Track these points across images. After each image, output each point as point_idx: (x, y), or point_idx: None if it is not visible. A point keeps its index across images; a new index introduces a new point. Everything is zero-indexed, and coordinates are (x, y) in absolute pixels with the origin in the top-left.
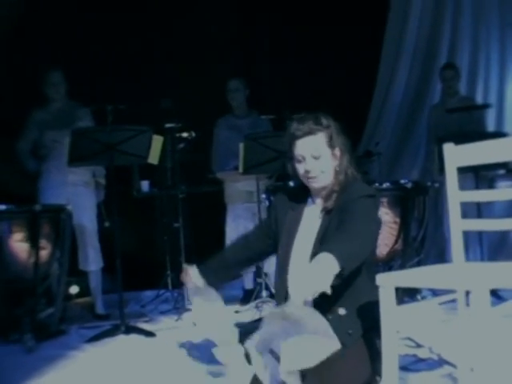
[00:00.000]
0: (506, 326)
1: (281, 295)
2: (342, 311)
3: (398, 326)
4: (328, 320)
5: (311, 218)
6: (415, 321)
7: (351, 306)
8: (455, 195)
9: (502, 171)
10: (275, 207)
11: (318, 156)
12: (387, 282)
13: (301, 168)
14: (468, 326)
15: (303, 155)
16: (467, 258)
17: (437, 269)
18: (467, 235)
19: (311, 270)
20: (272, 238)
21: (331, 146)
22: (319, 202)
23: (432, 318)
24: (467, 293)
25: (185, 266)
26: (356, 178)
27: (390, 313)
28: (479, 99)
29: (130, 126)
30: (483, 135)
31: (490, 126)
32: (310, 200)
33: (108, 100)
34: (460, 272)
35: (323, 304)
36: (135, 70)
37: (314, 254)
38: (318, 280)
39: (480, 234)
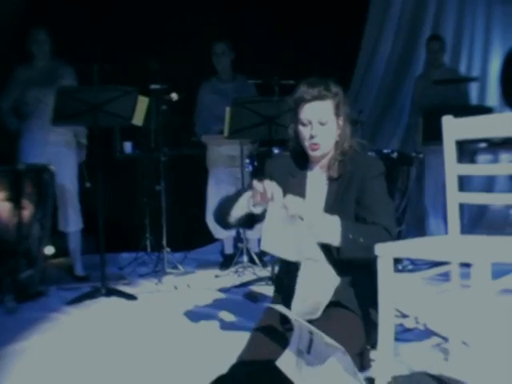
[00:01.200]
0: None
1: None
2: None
3: (395, 297)
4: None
5: (316, 185)
6: (407, 292)
7: (356, 272)
8: (453, 168)
9: (483, 144)
10: (270, 174)
11: (324, 122)
12: (386, 252)
13: (305, 132)
14: (465, 300)
15: (310, 119)
16: (447, 230)
17: (435, 240)
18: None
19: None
20: None
21: (337, 114)
22: (319, 169)
23: (425, 290)
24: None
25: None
26: (361, 147)
27: (388, 283)
28: (462, 72)
29: (116, 87)
30: (467, 108)
31: (473, 100)
32: (309, 167)
33: (93, 59)
34: (459, 244)
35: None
36: (121, 29)
37: None
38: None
39: (461, 206)
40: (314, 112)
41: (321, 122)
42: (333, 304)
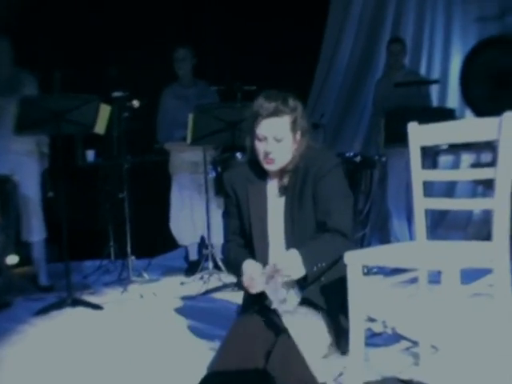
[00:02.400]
0: (474, 305)
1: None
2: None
3: (365, 304)
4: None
5: (275, 195)
6: (375, 296)
7: (327, 276)
8: (418, 174)
9: (444, 146)
10: (231, 185)
11: (280, 139)
12: (355, 260)
13: (261, 147)
14: (434, 304)
15: (265, 135)
16: (411, 234)
17: (403, 247)
18: (410, 210)
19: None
20: None
21: (294, 129)
22: (275, 178)
23: (393, 294)
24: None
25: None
26: (313, 147)
27: (358, 291)
28: (423, 73)
29: (78, 95)
30: (429, 110)
31: (434, 101)
32: (267, 175)
33: (54, 67)
34: (428, 251)
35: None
36: (81, 36)
37: (287, 238)
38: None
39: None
40: (269, 128)
41: (276, 139)
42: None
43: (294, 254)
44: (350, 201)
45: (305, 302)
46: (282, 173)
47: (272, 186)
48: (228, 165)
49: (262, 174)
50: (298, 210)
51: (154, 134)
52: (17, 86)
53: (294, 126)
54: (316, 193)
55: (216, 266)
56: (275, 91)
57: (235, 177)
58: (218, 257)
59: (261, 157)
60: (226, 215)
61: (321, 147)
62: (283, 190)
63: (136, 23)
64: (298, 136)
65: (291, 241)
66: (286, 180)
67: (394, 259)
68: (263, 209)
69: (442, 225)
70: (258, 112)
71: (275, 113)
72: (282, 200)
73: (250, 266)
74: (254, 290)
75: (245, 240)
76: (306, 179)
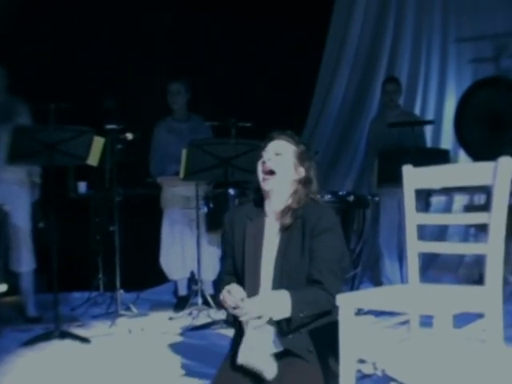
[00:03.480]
0: (466, 350)
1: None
2: (303, 329)
3: (356, 345)
4: (289, 338)
5: (272, 234)
6: (366, 337)
7: (312, 323)
8: (412, 217)
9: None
10: (231, 223)
11: (279, 153)
12: (347, 303)
13: (260, 164)
14: (425, 348)
15: (267, 151)
16: (402, 274)
17: (396, 290)
18: (401, 250)
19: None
20: None
21: (299, 161)
22: (274, 216)
23: (384, 336)
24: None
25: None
26: (316, 200)
27: (349, 334)
28: (417, 113)
29: (72, 127)
30: (423, 151)
31: (428, 141)
32: (266, 213)
33: (50, 98)
34: (420, 295)
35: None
36: (78, 68)
37: (276, 276)
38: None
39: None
40: (272, 146)
41: (276, 152)
42: (286, 353)
43: (284, 294)
44: (344, 263)
45: (288, 353)
46: (281, 213)
47: (270, 224)
48: (220, 201)
49: (262, 212)
50: (290, 255)
51: (147, 168)
52: (10, 114)
53: (299, 158)
54: (312, 248)
55: (205, 302)
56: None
57: (236, 215)
58: (208, 292)
59: (260, 175)
60: (222, 256)
61: (323, 202)
62: (281, 230)
63: (131, 57)
64: (303, 172)
65: (278, 281)
66: (285, 221)
67: (387, 303)
68: (259, 244)
69: (433, 266)
70: (266, 140)
71: (282, 138)
72: (277, 240)
73: (233, 287)
74: (228, 304)
75: (237, 278)
76: (303, 229)
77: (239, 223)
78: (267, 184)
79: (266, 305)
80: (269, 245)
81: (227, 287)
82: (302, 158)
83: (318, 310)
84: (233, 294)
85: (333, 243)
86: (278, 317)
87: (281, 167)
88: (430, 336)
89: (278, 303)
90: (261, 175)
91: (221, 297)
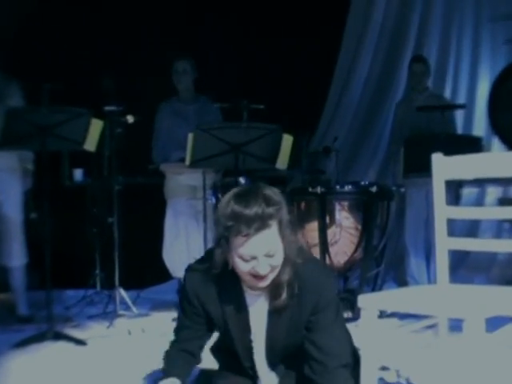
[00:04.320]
0: (499, 356)
1: None
2: None
3: (379, 351)
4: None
5: (258, 318)
6: (390, 343)
7: None
8: (442, 211)
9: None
10: (198, 297)
11: (272, 254)
12: (370, 305)
13: (246, 267)
14: (454, 355)
15: (254, 255)
16: (430, 274)
17: (423, 291)
18: (429, 248)
19: None
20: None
21: (282, 232)
22: (260, 297)
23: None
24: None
25: None
26: (303, 252)
27: (371, 336)
28: (448, 97)
29: (68, 108)
30: (453, 138)
31: (459, 128)
32: (247, 293)
33: (44, 78)
34: (450, 297)
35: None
36: (74, 46)
37: (268, 354)
38: None
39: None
40: (259, 247)
41: (268, 255)
42: None
43: None
44: (346, 329)
45: None
46: (275, 289)
47: (255, 308)
48: (230, 191)
49: (240, 292)
50: (286, 333)
51: (149, 154)
52: (2, 95)
53: (282, 228)
54: (312, 326)
55: None
56: (246, 188)
57: (202, 290)
58: None
59: (245, 276)
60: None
61: (314, 260)
62: (273, 312)
63: (133, 31)
64: (285, 232)
65: (272, 358)
66: (280, 301)
67: (413, 304)
68: (247, 333)
69: (463, 265)
70: (239, 227)
71: (263, 225)
72: (265, 321)
73: None
74: None
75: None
76: (300, 309)
77: (211, 303)
78: (260, 284)
79: None
80: (256, 326)
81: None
82: (283, 221)
83: None
84: None
85: (336, 318)
86: None
87: (277, 265)
88: (459, 341)
89: None
90: (250, 280)
91: None
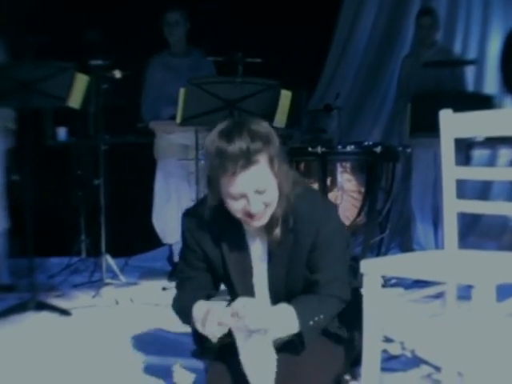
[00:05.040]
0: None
1: None
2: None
3: (382, 322)
4: None
5: (259, 256)
6: (394, 313)
7: None
8: (451, 171)
9: (479, 138)
10: (196, 238)
11: (263, 190)
12: (373, 270)
13: (238, 206)
14: (463, 325)
15: (243, 193)
16: (437, 240)
17: (430, 256)
18: (437, 213)
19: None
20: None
21: (272, 164)
22: (258, 234)
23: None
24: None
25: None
26: (299, 184)
27: (375, 304)
28: (457, 52)
29: (51, 62)
30: (463, 95)
31: (469, 85)
32: (246, 231)
33: (27, 30)
34: (458, 262)
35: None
36: None
37: (272, 294)
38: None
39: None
40: (247, 184)
41: (259, 191)
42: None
43: (287, 308)
44: (347, 266)
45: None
46: (269, 225)
47: (255, 245)
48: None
49: (239, 231)
50: (284, 273)
51: (138, 111)
52: None
53: (272, 161)
54: (313, 255)
55: None
56: (231, 121)
57: (198, 230)
58: None
59: (239, 215)
60: (184, 261)
61: (312, 191)
62: (272, 247)
63: None
64: (276, 166)
65: (276, 298)
66: (276, 235)
67: (419, 270)
68: (248, 268)
69: (473, 231)
70: (224, 165)
71: (249, 161)
72: (266, 258)
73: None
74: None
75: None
76: (299, 242)
77: (208, 243)
78: (255, 224)
79: (270, 317)
80: (257, 266)
81: (206, 307)
82: (273, 156)
83: (327, 315)
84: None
85: (339, 247)
86: (284, 333)
87: (270, 201)
88: (468, 311)
89: (282, 318)
90: (244, 218)
91: (195, 317)
